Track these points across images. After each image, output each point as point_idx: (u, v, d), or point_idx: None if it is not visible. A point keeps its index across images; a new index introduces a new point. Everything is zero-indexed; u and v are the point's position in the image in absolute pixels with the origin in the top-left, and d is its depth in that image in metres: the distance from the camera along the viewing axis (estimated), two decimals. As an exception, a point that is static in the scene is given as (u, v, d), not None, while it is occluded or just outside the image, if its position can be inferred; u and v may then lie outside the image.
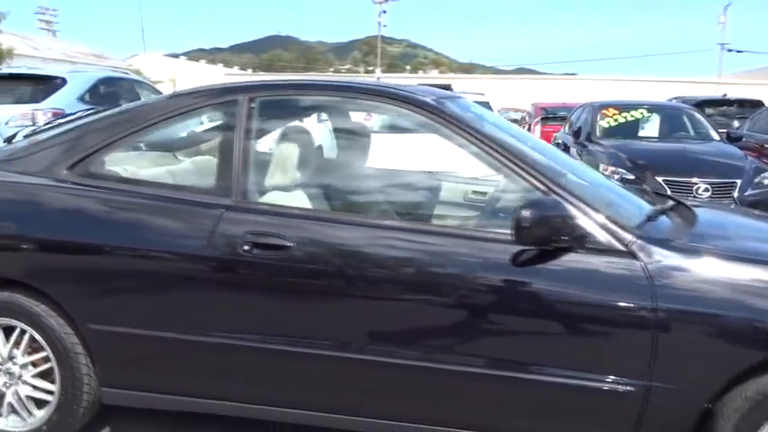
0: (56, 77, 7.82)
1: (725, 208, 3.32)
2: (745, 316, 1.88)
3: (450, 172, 3.19)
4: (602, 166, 6.74)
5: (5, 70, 9.00)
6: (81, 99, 7.76)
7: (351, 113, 2.95)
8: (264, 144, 2.58)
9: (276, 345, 2.18)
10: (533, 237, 1.90)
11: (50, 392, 2.43)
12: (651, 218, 2.25)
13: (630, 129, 7.92)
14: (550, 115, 14.62)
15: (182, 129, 2.59)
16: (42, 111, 6.98)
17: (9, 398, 2.46)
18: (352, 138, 2.90)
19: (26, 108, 7.13)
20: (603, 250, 1.98)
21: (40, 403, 2.46)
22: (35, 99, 7.44)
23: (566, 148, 8.22)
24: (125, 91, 8.87)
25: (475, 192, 3.08)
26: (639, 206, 2.42)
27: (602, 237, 1.99)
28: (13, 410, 2.47)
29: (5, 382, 2.46)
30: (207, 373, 2.28)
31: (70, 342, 2.36)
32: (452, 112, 2.26)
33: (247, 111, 2.36)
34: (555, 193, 2.05)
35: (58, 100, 7.48)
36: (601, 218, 2.02)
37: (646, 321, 1.92)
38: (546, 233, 1.90)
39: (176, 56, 71.20)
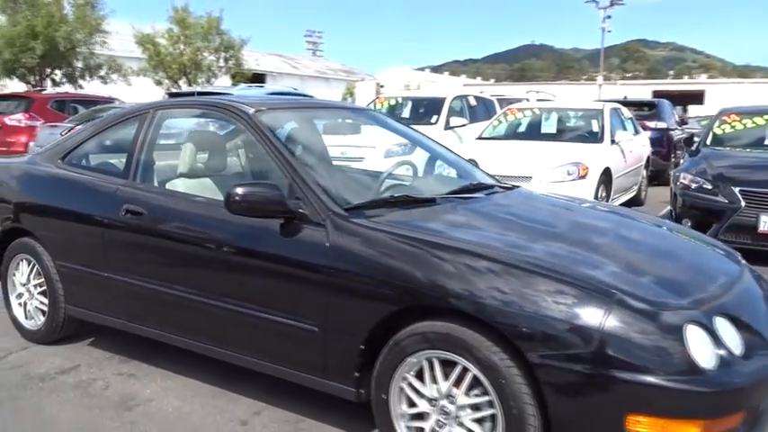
0: (223, 94, 9.70)
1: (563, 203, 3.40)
2: (383, 279, 2.36)
3: None
4: (682, 175, 6.48)
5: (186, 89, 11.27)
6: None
7: (204, 119, 3.68)
8: (157, 141, 3.54)
9: (139, 281, 3.15)
10: (241, 208, 2.59)
11: (46, 305, 3.71)
12: (382, 203, 2.76)
13: (753, 136, 7.28)
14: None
15: (123, 131, 3.68)
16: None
17: (29, 307, 3.80)
18: (203, 138, 3.67)
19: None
20: (310, 222, 2.59)
21: (44, 312, 3.75)
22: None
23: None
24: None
25: None
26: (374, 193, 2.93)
27: (309, 212, 2.59)
28: (32, 316, 3.79)
29: (26, 298, 3.80)
30: (110, 300, 3.33)
31: (53, 272, 3.59)
32: (258, 120, 2.99)
33: (150, 119, 3.39)
34: (294, 181, 2.70)
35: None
36: (314, 198, 2.61)
37: (323, 278, 2.49)
38: (251, 206, 2.57)
39: (422, 69, 75.59)
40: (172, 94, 10.47)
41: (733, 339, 2.12)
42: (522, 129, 8.64)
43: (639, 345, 1.98)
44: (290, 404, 2.98)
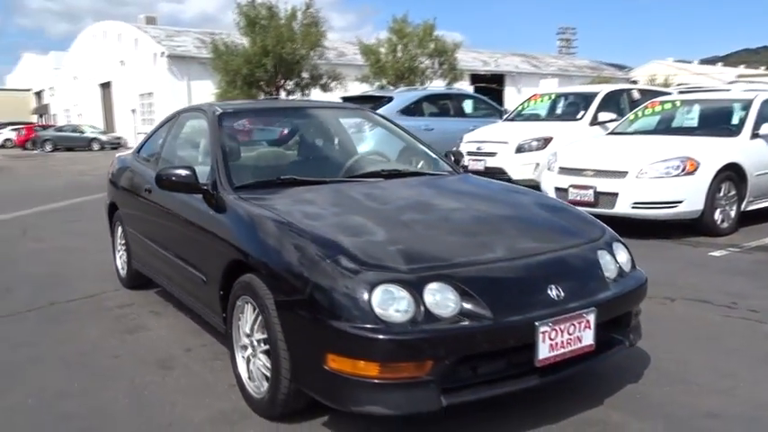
0: (385, 97, 10.73)
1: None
2: (224, 239, 3.06)
3: None
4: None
5: (355, 93, 12.49)
6: (401, 111, 10.55)
7: (194, 119, 4.46)
8: (177, 137, 4.55)
9: (146, 239, 4.24)
10: (163, 185, 3.43)
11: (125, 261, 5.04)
12: (272, 183, 3.40)
13: None
14: None
15: (165, 131, 4.78)
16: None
17: (121, 260, 5.17)
18: (191, 134, 4.52)
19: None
20: (211, 196, 3.34)
21: (126, 264, 5.08)
22: (368, 113, 10.65)
23: None
24: (446, 102, 11.42)
25: None
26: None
27: (211, 189, 3.36)
28: (123, 267, 5.16)
29: (120, 254, 5.18)
30: (148, 257, 4.48)
31: (127, 234, 4.89)
32: (215, 119, 3.82)
33: (174, 120, 4.46)
34: (213, 165, 3.50)
35: (382, 112, 10.43)
36: (217, 178, 3.36)
37: (205, 238, 3.26)
38: (170, 184, 3.39)
39: (689, 62, 68.91)
40: (345, 99, 11.84)
41: (443, 303, 2.38)
42: (657, 123, 8.14)
43: (337, 296, 2.39)
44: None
